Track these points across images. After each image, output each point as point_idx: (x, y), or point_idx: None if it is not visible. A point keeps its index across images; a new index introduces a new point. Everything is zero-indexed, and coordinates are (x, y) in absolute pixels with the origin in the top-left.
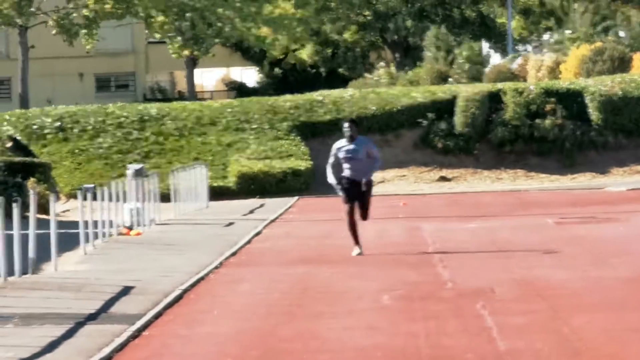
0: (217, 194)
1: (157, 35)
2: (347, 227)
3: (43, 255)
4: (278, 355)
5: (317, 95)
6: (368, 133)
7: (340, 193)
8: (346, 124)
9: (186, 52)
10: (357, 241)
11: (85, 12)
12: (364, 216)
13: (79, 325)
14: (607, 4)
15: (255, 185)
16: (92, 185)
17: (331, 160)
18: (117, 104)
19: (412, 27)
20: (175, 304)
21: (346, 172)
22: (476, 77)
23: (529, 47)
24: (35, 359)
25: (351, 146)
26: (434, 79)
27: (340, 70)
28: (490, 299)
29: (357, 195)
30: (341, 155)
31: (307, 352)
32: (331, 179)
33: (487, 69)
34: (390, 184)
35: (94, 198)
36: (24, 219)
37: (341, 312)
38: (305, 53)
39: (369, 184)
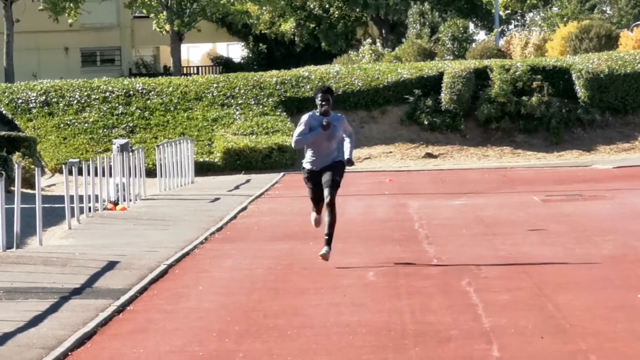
0: (203, 169)
1: (143, 11)
2: (313, 224)
3: (28, 229)
4: (262, 331)
5: (303, 71)
6: (354, 109)
7: (307, 184)
8: (320, 95)
9: (167, 27)
10: (328, 240)
11: None
12: (330, 201)
13: (64, 299)
14: None
15: (240, 161)
16: (78, 160)
17: (300, 130)
18: (102, 78)
19: (394, 4)
20: (160, 279)
21: (310, 161)
22: (461, 54)
23: (516, 25)
24: (20, 333)
25: (326, 120)
26: (419, 55)
27: (323, 45)
28: (475, 276)
29: (325, 174)
30: (316, 127)
31: (291, 327)
32: (308, 135)
33: (472, 46)
34: (376, 160)
35: (80, 173)
36: (9, 193)
37: (326, 288)
38: (287, 26)
39: (351, 163)
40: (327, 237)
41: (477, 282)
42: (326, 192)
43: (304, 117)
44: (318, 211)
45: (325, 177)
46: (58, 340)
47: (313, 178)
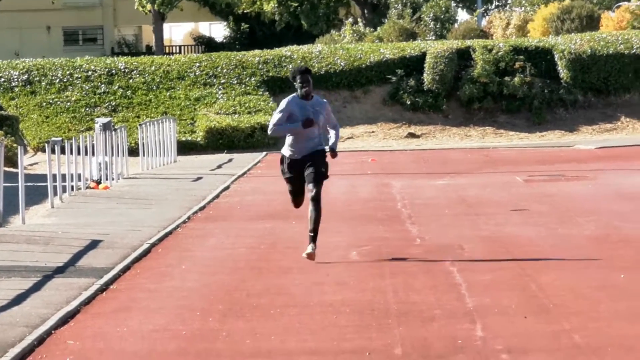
0: (185, 148)
1: None
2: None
3: (10, 208)
4: (245, 310)
5: (286, 50)
6: (337, 89)
7: (285, 174)
8: (299, 76)
9: (149, 7)
10: (313, 237)
11: None
12: (315, 195)
13: (47, 278)
14: None
15: (223, 140)
16: (60, 139)
17: (278, 117)
18: (84, 57)
19: None
20: (143, 258)
21: (290, 149)
22: (443, 35)
23: (497, 4)
24: (3, 312)
25: (309, 105)
26: (401, 36)
27: (304, 26)
28: (458, 256)
29: (308, 166)
30: (296, 112)
31: (274, 307)
32: (288, 126)
33: (454, 26)
34: (358, 140)
35: (62, 151)
36: None
37: (309, 268)
38: (269, 6)
39: (335, 155)
40: (312, 234)
41: (460, 262)
42: (310, 186)
43: (284, 103)
44: (297, 204)
45: (309, 170)
46: (41, 318)
47: (294, 167)
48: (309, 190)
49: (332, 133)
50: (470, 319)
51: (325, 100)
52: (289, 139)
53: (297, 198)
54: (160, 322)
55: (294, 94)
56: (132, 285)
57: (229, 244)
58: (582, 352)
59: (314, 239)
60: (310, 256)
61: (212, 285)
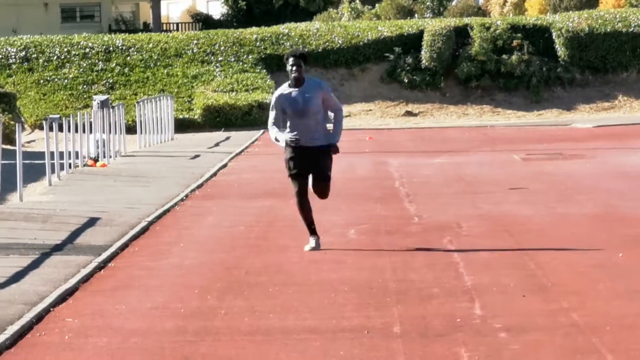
0: (183, 126)
1: None
2: (298, 210)
3: (8, 185)
4: (244, 288)
5: (284, 28)
6: (335, 67)
7: (288, 159)
8: (291, 59)
9: None
10: (312, 229)
11: None
12: (323, 192)
13: (45, 255)
14: None
15: (220, 118)
16: (58, 116)
17: (272, 115)
18: (82, 34)
19: None
20: (141, 235)
21: (292, 135)
22: (440, 13)
23: None
24: (1, 289)
25: (299, 94)
26: (398, 13)
27: (301, 3)
28: (456, 234)
29: (311, 165)
30: (286, 107)
31: (273, 284)
32: (280, 136)
33: (452, 4)
34: (356, 118)
35: (60, 129)
36: None
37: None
38: None
39: (336, 150)
40: (312, 226)
41: (458, 241)
42: (319, 195)
43: (274, 97)
44: (301, 196)
45: (316, 170)
46: (40, 296)
47: (295, 152)
48: (317, 194)
49: (334, 121)
50: (469, 297)
51: (321, 81)
52: (288, 129)
53: (300, 182)
54: (159, 299)
55: (286, 83)
56: (131, 263)
57: (227, 222)
58: (580, 331)
59: (314, 230)
60: (316, 250)
61: (210, 263)
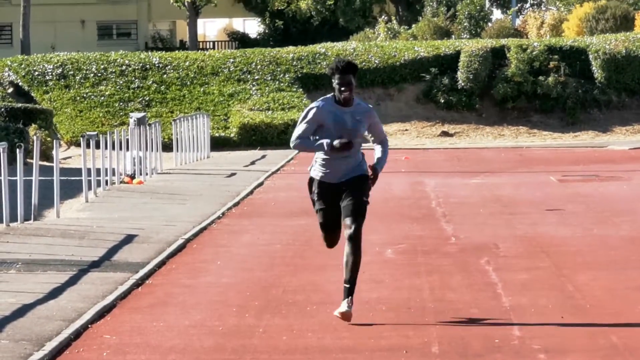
0: (218, 144)
1: None
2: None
3: (45, 202)
4: (281, 306)
5: (320, 47)
6: (371, 86)
7: (316, 205)
8: (338, 76)
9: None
10: (349, 290)
11: None
12: (355, 233)
13: (82, 272)
14: None
15: (256, 137)
16: (95, 133)
17: (302, 129)
18: (119, 52)
19: None
20: (178, 253)
21: (324, 162)
22: (477, 33)
23: (532, 3)
24: (39, 305)
25: (348, 114)
26: (435, 34)
27: (340, 22)
28: (494, 255)
29: (343, 199)
30: (329, 125)
31: (310, 304)
32: (320, 142)
33: (488, 25)
34: (392, 138)
35: (97, 146)
36: (25, 165)
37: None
38: (304, 3)
39: (375, 177)
40: (347, 286)
41: (495, 261)
42: (348, 220)
43: (312, 109)
44: (331, 243)
45: (347, 200)
46: (78, 312)
47: (327, 194)
48: (346, 226)
49: (377, 149)
50: (507, 318)
51: (370, 107)
52: (318, 157)
53: (331, 234)
54: (197, 317)
55: (328, 96)
56: (168, 281)
57: (264, 240)
58: (619, 353)
59: (350, 292)
60: (346, 316)
61: (248, 281)
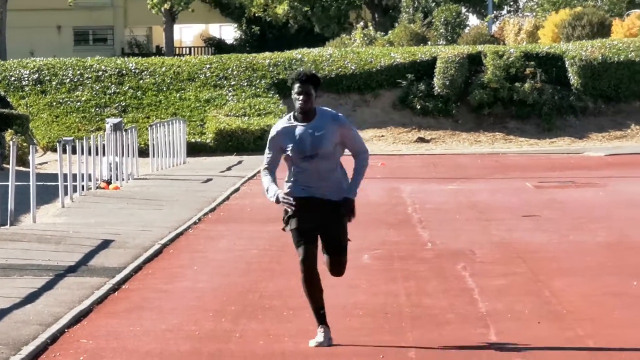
0: (195, 150)
1: None
2: (303, 287)
3: (21, 207)
4: (258, 311)
5: (297, 53)
6: (347, 92)
7: (288, 223)
8: (297, 85)
9: (166, 6)
10: (320, 315)
11: None
12: (337, 267)
13: (59, 277)
14: None
15: (232, 142)
16: (71, 138)
17: (268, 158)
18: (95, 57)
19: None
20: (154, 258)
21: (297, 184)
22: (453, 40)
23: (509, 10)
24: (16, 310)
25: (306, 130)
26: (411, 40)
27: (316, 29)
28: (470, 261)
29: (321, 225)
30: (288, 148)
31: (287, 308)
32: (272, 188)
33: (465, 32)
34: (368, 144)
35: (73, 151)
36: (2, 170)
37: (320, 271)
38: (281, 9)
39: (350, 211)
40: (321, 312)
41: (472, 267)
42: (331, 261)
43: (272, 133)
44: (309, 270)
45: (327, 234)
46: (54, 317)
47: (305, 209)
48: (329, 268)
49: (356, 164)
50: (484, 324)
51: (338, 114)
52: (292, 171)
53: (308, 255)
54: (174, 322)
55: (290, 114)
56: (144, 285)
57: (240, 245)
58: (596, 358)
59: (323, 319)
60: (323, 343)
61: (224, 286)
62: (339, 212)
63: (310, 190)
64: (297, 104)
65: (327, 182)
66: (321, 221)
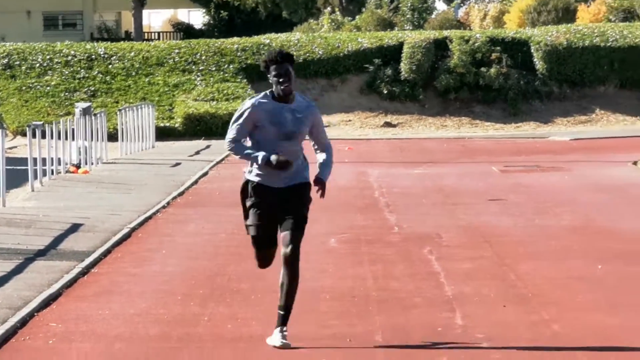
0: (163, 134)
1: None
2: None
3: None
4: (226, 294)
5: (265, 38)
6: (315, 77)
7: (250, 217)
8: (274, 67)
9: None
10: (283, 317)
11: None
12: (292, 252)
13: (29, 260)
14: None
15: (201, 127)
16: (41, 123)
17: (236, 129)
18: (64, 42)
19: None
20: (123, 242)
21: (263, 169)
22: (420, 25)
23: None
24: None
25: (288, 111)
26: (378, 25)
27: (284, 14)
28: (437, 245)
29: (281, 211)
30: (266, 124)
31: (255, 292)
32: (260, 153)
33: (432, 17)
34: (335, 128)
35: (42, 136)
36: None
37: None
38: None
39: (323, 189)
40: (282, 313)
41: (438, 251)
42: (286, 236)
43: (246, 107)
44: (265, 262)
45: (286, 214)
46: (24, 300)
47: (264, 201)
48: (284, 243)
49: (320, 157)
50: (450, 307)
51: (312, 103)
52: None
53: (265, 251)
54: (142, 305)
55: (265, 92)
56: (114, 269)
57: (209, 229)
58: (561, 341)
59: (284, 320)
60: (284, 348)
61: (192, 270)
62: (305, 190)
63: (274, 180)
64: (280, 87)
65: (292, 167)
66: (279, 210)
